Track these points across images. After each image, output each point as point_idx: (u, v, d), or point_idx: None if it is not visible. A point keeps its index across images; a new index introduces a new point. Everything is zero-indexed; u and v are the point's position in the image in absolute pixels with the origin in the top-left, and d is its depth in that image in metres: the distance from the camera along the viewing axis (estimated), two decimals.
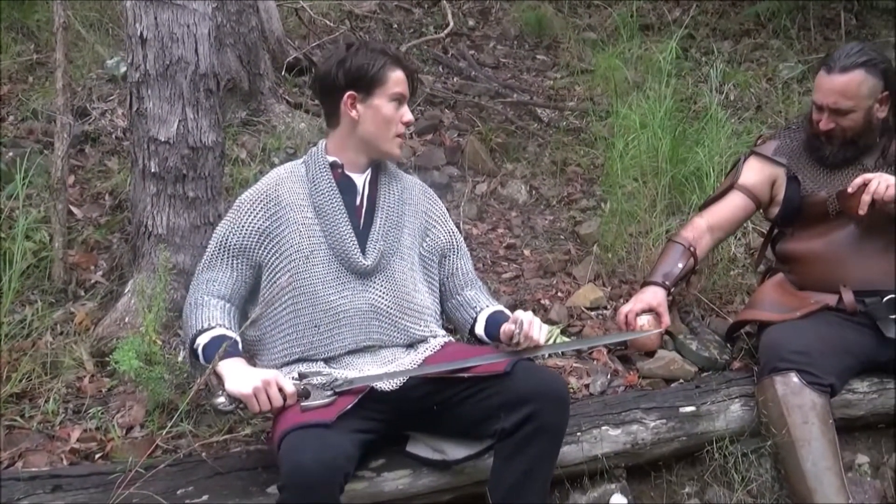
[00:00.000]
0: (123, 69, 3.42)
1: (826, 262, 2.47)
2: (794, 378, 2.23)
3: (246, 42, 3.83)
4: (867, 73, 2.39)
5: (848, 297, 2.40)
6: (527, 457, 1.87)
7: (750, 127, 4.28)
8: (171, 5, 2.54)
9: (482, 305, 2.22)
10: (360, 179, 2.14)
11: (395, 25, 5.34)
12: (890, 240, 2.41)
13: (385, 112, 2.08)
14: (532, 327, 2.01)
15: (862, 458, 2.53)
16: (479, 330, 2.18)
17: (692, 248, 2.66)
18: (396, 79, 2.09)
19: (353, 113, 2.08)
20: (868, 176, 2.30)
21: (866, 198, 2.26)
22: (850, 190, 2.32)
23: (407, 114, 2.12)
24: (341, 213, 2.07)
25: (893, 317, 2.37)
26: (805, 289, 2.50)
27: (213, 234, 2.12)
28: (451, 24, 5.36)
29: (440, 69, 5.04)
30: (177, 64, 2.57)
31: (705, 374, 2.62)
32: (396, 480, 2.02)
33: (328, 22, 4.95)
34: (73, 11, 3.97)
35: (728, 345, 2.73)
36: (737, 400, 2.42)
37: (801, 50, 5.95)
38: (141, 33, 2.54)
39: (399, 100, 2.10)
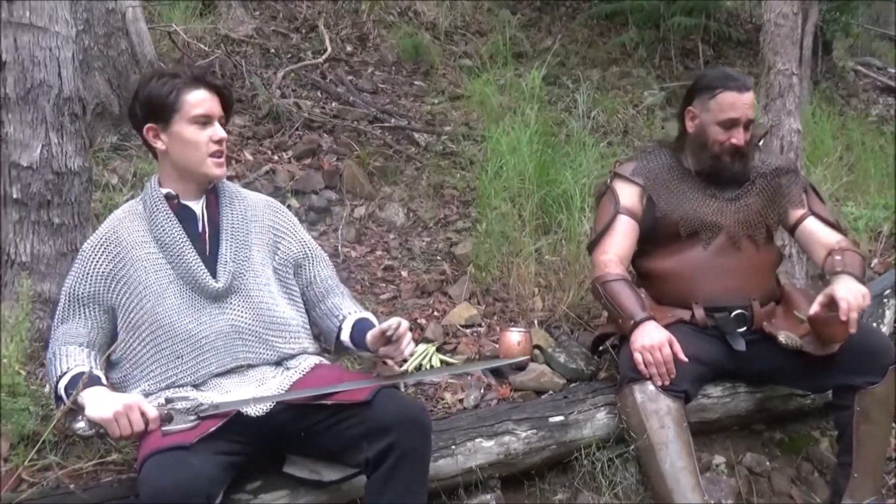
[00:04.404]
0: None
1: (678, 280, 2.60)
2: (651, 386, 2.34)
3: (115, 65, 3.77)
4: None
5: (699, 312, 2.54)
6: (395, 491, 1.87)
7: (616, 150, 4.49)
8: (31, 28, 2.49)
9: (346, 312, 2.20)
10: (198, 206, 2.10)
11: (273, 50, 5.33)
12: (735, 261, 2.58)
13: (187, 136, 2.02)
14: (404, 339, 2.01)
15: (718, 459, 2.69)
16: (345, 337, 2.16)
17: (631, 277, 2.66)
18: (194, 101, 2.02)
19: (160, 144, 2.04)
20: (836, 295, 2.29)
21: (853, 315, 2.26)
22: (821, 313, 2.31)
23: (217, 132, 2.05)
24: (184, 242, 2.03)
25: (740, 330, 2.53)
26: (661, 304, 2.61)
27: (63, 289, 2.08)
28: (330, 49, 5.41)
29: (319, 94, 5.07)
30: (39, 87, 2.51)
31: (573, 384, 2.74)
32: (274, 502, 2.01)
33: (203, 46, 4.89)
34: None
35: (595, 356, 2.86)
36: (602, 408, 2.53)
37: (663, 78, 6.33)
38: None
39: (203, 122, 2.03)
